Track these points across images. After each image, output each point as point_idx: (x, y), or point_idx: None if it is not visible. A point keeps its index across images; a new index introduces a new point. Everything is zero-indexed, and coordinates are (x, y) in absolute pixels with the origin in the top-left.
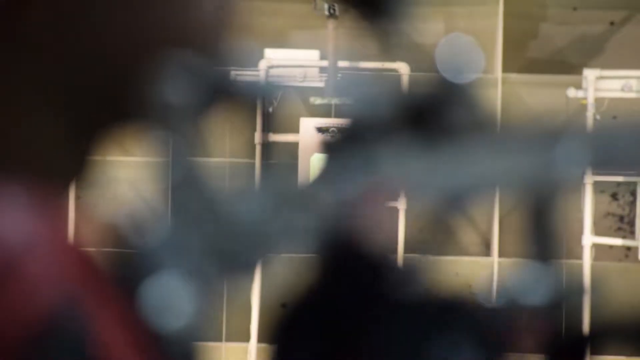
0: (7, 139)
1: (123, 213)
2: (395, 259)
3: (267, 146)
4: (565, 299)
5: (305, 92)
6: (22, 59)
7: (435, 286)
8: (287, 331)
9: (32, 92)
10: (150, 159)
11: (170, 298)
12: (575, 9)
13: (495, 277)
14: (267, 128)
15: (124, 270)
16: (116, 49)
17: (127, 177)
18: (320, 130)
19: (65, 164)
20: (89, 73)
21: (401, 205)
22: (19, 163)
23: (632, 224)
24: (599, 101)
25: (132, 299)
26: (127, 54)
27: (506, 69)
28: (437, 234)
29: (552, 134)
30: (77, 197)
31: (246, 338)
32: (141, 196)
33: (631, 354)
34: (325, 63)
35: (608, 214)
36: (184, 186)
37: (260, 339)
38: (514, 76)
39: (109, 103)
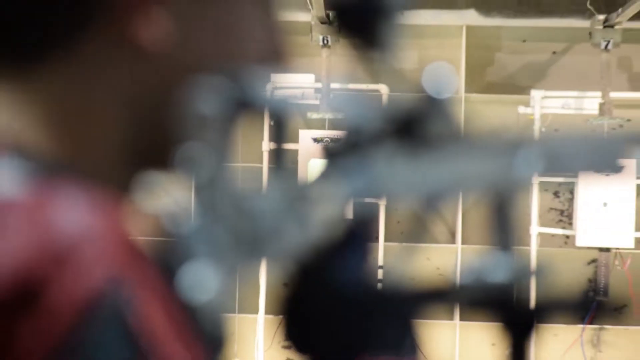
0: (82, 142)
1: (164, 210)
2: (377, 247)
3: (272, 153)
4: (517, 279)
5: (303, 109)
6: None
7: (410, 268)
8: (288, 305)
9: (113, 104)
10: (184, 165)
11: (198, 278)
12: (524, 40)
13: (459, 261)
14: (272, 138)
15: (163, 255)
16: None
17: (167, 180)
18: (315, 140)
19: (127, 169)
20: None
21: (381, 201)
22: (86, 163)
23: (570, 217)
24: (544, 117)
25: (170, 278)
26: (177, 76)
27: (468, 90)
28: (412, 226)
29: (507, 144)
30: (130, 197)
31: (255, 310)
32: (176, 196)
33: (569, 323)
34: (319, 85)
35: (551, 209)
36: (210, 187)
37: (267, 312)
38: (474, 96)
39: (163, 117)
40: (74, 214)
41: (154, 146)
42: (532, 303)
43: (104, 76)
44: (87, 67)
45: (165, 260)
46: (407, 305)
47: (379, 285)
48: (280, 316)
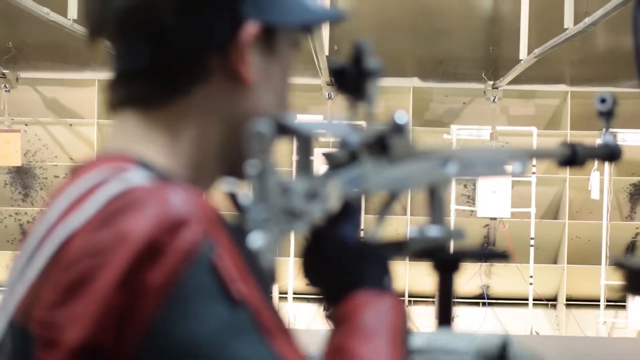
0: (195, 159)
1: (233, 193)
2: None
3: (298, 161)
4: (443, 237)
5: (317, 135)
6: None
7: (380, 231)
8: (305, 252)
9: (220, 130)
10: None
11: (257, 236)
12: (446, 96)
13: (409, 226)
14: (299, 152)
15: (236, 221)
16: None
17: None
18: (324, 154)
19: (217, 174)
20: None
21: (364, 191)
22: (196, 175)
23: (473, 199)
24: (458, 141)
25: (241, 236)
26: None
27: (414, 124)
28: (382, 205)
29: (437, 157)
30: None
31: (287, 255)
32: (242, 188)
33: (472, 262)
34: (326, 121)
35: (462, 194)
36: (262, 182)
37: (295, 255)
38: (417, 128)
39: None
40: (182, 196)
41: (235, 159)
42: (452, 250)
43: (216, 108)
44: (204, 103)
45: (237, 225)
46: (383, 251)
47: (362, 239)
48: (301, 259)
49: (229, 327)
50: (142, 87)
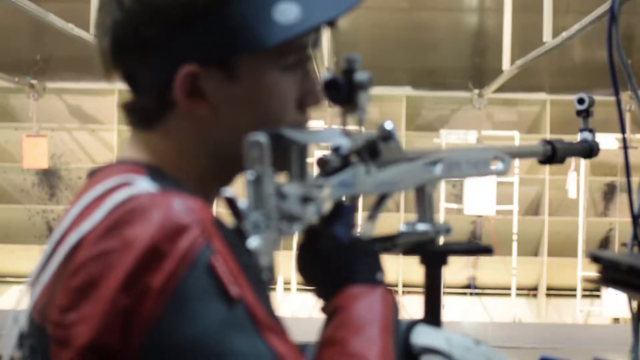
0: (193, 170)
1: (232, 198)
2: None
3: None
4: (435, 232)
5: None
6: None
7: (374, 227)
8: (302, 249)
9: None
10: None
11: (256, 236)
12: (436, 103)
13: (402, 222)
14: (293, 159)
15: (235, 224)
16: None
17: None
18: (318, 160)
19: (215, 183)
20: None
21: (357, 192)
22: (195, 183)
23: (461, 198)
24: (447, 145)
25: (240, 236)
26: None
27: (407, 129)
28: (376, 203)
29: (428, 159)
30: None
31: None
32: (239, 190)
33: (459, 255)
34: (319, 129)
35: (451, 194)
36: (259, 187)
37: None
38: (409, 132)
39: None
40: (183, 203)
41: (232, 169)
42: (441, 244)
43: (191, 133)
44: (178, 129)
45: (236, 227)
46: (374, 246)
47: (357, 235)
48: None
49: (226, 323)
50: (130, 114)
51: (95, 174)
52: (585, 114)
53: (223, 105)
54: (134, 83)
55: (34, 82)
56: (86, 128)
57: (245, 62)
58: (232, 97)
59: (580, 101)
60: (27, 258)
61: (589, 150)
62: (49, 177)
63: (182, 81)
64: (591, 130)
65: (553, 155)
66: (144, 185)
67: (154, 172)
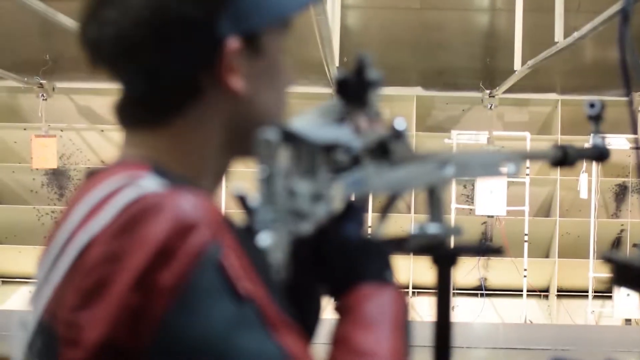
0: (199, 166)
1: (242, 196)
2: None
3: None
4: (442, 233)
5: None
6: None
7: (385, 227)
8: (313, 248)
9: (220, 139)
10: (255, 170)
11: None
12: (447, 103)
13: (412, 223)
14: (304, 157)
15: (243, 221)
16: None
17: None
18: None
19: (221, 177)
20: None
21: (369, 192)
22: (201, 180)
23: (472, 198)
24: (458, 145)
25: (249, 234)
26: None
27: (417, 129)
28: (387, 204)
29: (438, 159)
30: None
31: None
32: (250, 188)
33: (471, 256)
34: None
35: (462, 194)
36: (270, 185)
37: None
38: (420, 133)
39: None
40: (191, 202)
41: (243, 146)
42: (452, 245)
43: (214, 121)
44: (200, 118)
45: (247, 225)
46: (385, 246)
47: (369, 235)
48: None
49: (236, 321)
50: (140, 111)
51: (95, 174)
52: (596, 118)
53: (251, 80)
54: (146, 76)
55: (43, 82)
56: (95, 128)
57: (267, 36)
58: (258, 72)
59: (592, 106)
60: (36, 259)
61: (600, 155)
62: (58, 178)
63: (229, 57)
64: (602, 134)
65: (564, 159)
66: (150, 183)
67: (159, 169)
